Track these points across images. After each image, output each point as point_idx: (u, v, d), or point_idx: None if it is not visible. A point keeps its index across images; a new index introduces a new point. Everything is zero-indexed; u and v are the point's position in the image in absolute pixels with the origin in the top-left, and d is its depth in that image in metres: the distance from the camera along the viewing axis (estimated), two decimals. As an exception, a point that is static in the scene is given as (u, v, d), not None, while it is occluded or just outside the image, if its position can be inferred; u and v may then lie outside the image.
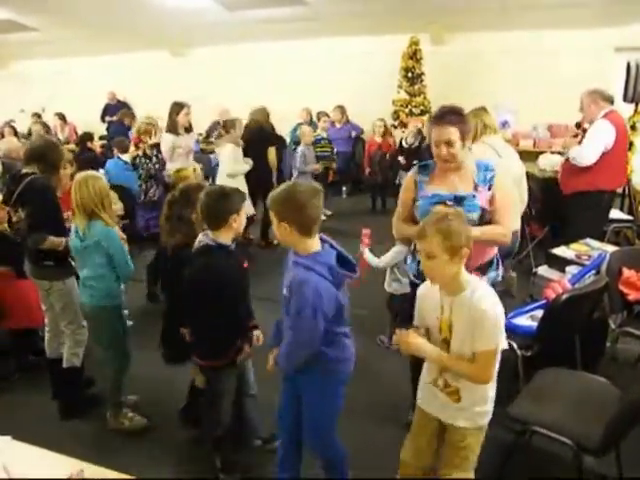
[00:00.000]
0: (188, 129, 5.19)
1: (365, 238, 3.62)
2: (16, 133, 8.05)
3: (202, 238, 2.38)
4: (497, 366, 1.87)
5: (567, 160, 4.21)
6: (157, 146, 4.95)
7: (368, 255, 3.55)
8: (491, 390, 1.97)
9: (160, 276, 2.82)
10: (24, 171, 3.05)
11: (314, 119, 8.41)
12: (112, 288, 2.84)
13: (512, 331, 2.74)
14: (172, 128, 5.04)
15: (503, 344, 1.85)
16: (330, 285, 1.92)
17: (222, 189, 2.43)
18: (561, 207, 4.44)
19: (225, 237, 2.34)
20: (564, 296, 2.55)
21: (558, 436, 2.11)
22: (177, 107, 5.06)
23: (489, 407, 1.98)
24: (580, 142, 4.11)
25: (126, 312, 3.76)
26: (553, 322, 2.63)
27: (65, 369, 3.09)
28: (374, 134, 7.39)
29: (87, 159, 5.91)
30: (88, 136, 6.32)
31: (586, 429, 2.09)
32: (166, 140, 5.04)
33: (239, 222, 2.36)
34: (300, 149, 6.33)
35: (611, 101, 4.10)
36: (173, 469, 2.68)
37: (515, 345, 2.69)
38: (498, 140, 3.54)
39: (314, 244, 1.99)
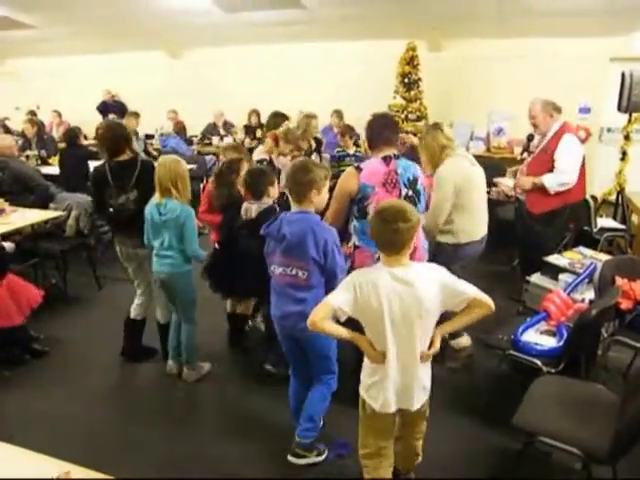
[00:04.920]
0: None
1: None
2: (8, 131, 8.00)
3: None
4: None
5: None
6: None
7: None
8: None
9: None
10: (129, 157, 3.40)
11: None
12: (186, 256, 3.20)
13: (530, 351, 2.80)
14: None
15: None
16: None
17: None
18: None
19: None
20: (594, 311, 2.56)
21: (566, 446, 2.11)
22: (284, 118, 4.94)
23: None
24: (544, 166, 3.98)
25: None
26: (582, 337, 2.69)
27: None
28: None
29: (77, 155, 5.85)
30: (75, 133, 6.20)
31: (593, 438, 2.09)
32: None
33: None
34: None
35: (561, 110, 4.09)
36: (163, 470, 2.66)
37: (539, 362, 2.73)
38: (465, 152, 3.63)
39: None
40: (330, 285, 2.36)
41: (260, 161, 4.39)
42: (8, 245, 3.55)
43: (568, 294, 3.13)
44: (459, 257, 3.33)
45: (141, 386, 3.46)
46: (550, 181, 3.91)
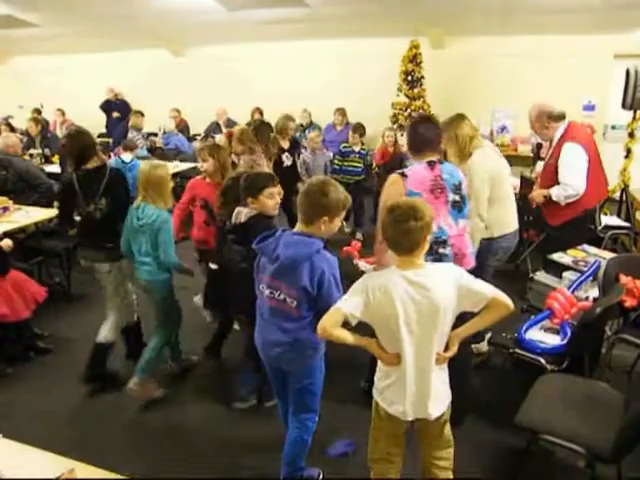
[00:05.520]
0: None
1: (354, 251, 3.60)
2: (12, 129, 8.02)
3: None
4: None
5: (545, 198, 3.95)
6: None
7: (362, 265, 3.55)
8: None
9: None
10: (97, 164, 3.28)
11: (315, 121, 8.43)
12: (162, 263, 3.13)
13: (534, 348, 2.79)
14: None
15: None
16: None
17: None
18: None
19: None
20: (597, 309, 2.55)
21: (570, 444, 2.10)
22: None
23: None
24: (552, 177, 3.84)
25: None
26: (586, 335, 2.67)
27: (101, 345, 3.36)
28: (386, 144, 7.23)
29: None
30: None
31: (597, 436, 2.08)
32: None
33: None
34: (302, 156, 5.98)
35: (562, 117, 3.87)
36: (169, 468, 2.66)
37: (543, 360, 2.72)
38: (490, 143, 3.60)
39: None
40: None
41: None
42: (4, 243, 3.55)
43: (572, 292, 3.11)
44: (493, 251, 3.28)
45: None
46: (557, 195, 3.79)
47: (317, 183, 2.19)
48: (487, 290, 1.93)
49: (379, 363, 2.06)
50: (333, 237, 2.26)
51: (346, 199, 2.21)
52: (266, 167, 4.63)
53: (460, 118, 3.27)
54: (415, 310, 1.87)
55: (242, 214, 2.78)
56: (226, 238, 2.88)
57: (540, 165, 4.35)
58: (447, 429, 2.15)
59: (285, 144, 5.59)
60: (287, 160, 5.56)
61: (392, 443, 2.13)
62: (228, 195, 3.10)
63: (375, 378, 2.11)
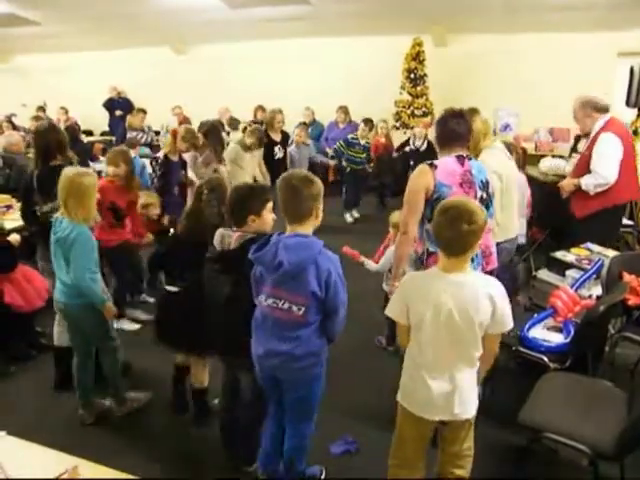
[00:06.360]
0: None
1: (353, 253, 3.58)
2: (15, 127, 8.03)
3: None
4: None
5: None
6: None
7: (366, 263, 3.54)
8: None
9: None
10: (56, 163, 3.15)
11: (318, 119, 8.45)
12: None
13: (538, 347, 2.78)
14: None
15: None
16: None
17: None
18: (562, 212, 4.26)
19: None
20: (601, 307, 2.54)
21: (573, 443, 2.10)
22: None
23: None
24: (585, 168, 3.81)
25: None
26: (589, 333, 2.66)
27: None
28: (378, 135, 7.35)
29: (77, 151, 5.86)
30: (74, 129, 6.33)
31: (600, 435, 2.08)
32: None
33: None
34: (288, 150, 6.08)
35: (606, 109, 3.85)
36: (171, 467, 2.66)
37: (546, 359, 2.71)
38: (500, 144, 3.56)
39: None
40: (328, 322, 2.13)
41: (155, 158, 4.65)
42: (12, 238, 3.57)
43: (575, 290, 3.10)
44: (498, 253, 3.13)
45: (143, 382, 3.43)
46: (587, 183, 3.76)
47: (300, 177, 2.11)
48: (510, 322, 1.96)
49: (405, 364, 2.09)
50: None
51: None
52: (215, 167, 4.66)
53: (474, 112, 3.18)
54: (448, 313, 1.89)
55: (232, 238, 2.35)
56: (206, 269, 2.45)
57: (575, 158, 4.32)
58: (471, 436, 2.14)
59: (277, 137, 5.64)
60: (279, 152, 5.67)
61: (416, 446, 2.12)
62: (201, 218, 2.72)
63: (401, 380, 2.12)
